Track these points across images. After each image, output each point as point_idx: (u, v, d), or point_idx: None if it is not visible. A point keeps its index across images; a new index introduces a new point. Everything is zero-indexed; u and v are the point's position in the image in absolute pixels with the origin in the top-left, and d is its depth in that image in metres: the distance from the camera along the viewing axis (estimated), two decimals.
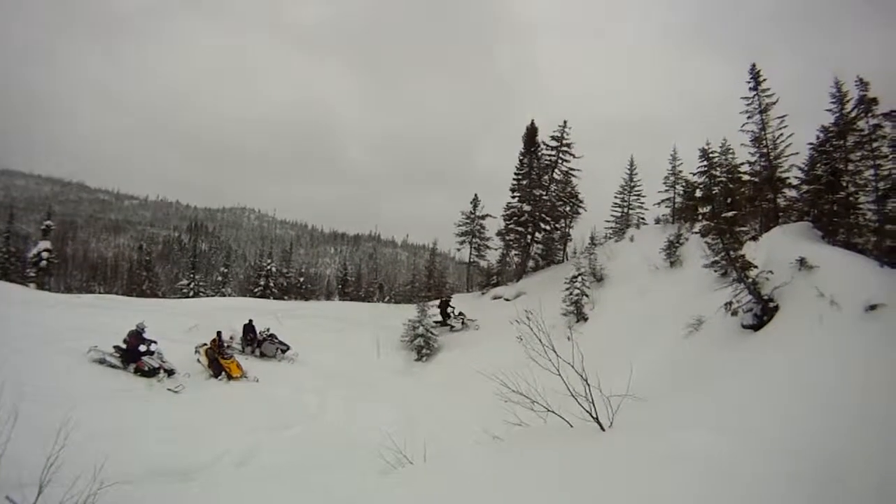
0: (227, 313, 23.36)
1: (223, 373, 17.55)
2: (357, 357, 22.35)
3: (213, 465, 12.10)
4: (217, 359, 17.79)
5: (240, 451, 12.80)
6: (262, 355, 20.32)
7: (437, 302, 29.31)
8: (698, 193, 18.24)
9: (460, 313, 27.98)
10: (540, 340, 7.70)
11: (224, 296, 38.44)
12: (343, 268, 51.89)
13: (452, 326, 27.46)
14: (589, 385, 7.48)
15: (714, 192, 17.91)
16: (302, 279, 44.67)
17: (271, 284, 41.15)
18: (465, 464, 7.21)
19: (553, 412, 7.65)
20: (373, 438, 10.46)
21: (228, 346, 19.02)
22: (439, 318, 27.27)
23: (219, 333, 18.53)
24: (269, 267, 42.32)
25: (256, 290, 40.61)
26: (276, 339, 20.78)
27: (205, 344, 18.32)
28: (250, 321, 21.00)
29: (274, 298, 37.18)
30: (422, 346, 24.26)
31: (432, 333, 24.47)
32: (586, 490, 5.71)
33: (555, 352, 7.70)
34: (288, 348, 20.73)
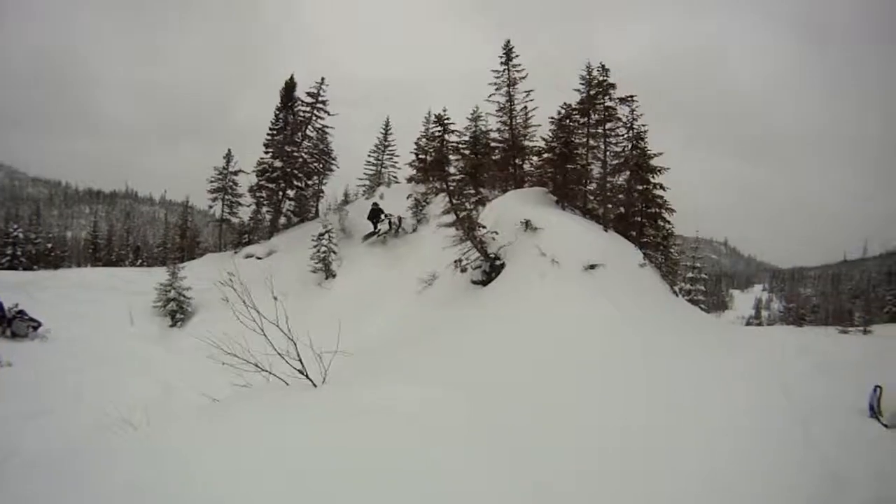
0: None
1: None
2: (111, 328, 21.80)
3: None
4: None
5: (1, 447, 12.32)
6: (14, 335, 19.57)
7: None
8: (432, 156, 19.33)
9: (387, 215, 27.77)
10: (244, 302, 7.89)
11: None
12: (94, 230, 48.45)
13: (379, 231, 27.46)
14: (295, 343, 7.84)
15: (448, 156, 19.04)
16: (50, 245, 41.45)
17: (19, 253, 37.89)
18: (182, 433, 6.81)
19: (268, 371, 7.87)
20: (128, 415, 9.92)
21: None
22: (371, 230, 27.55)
23: None
24: (15, 233, 38.57)
25: (3, 260, 37.15)
26: (26, 315, 20.05)
27: None
28: None
29: (24, 269, 34.38)
30: (175, 311, 23.98)
31: (184, 296, 24.32)
32: (286, 440, 5.89)
33: (258, 311, 7.91)
34: (39, 325, 20.12)
